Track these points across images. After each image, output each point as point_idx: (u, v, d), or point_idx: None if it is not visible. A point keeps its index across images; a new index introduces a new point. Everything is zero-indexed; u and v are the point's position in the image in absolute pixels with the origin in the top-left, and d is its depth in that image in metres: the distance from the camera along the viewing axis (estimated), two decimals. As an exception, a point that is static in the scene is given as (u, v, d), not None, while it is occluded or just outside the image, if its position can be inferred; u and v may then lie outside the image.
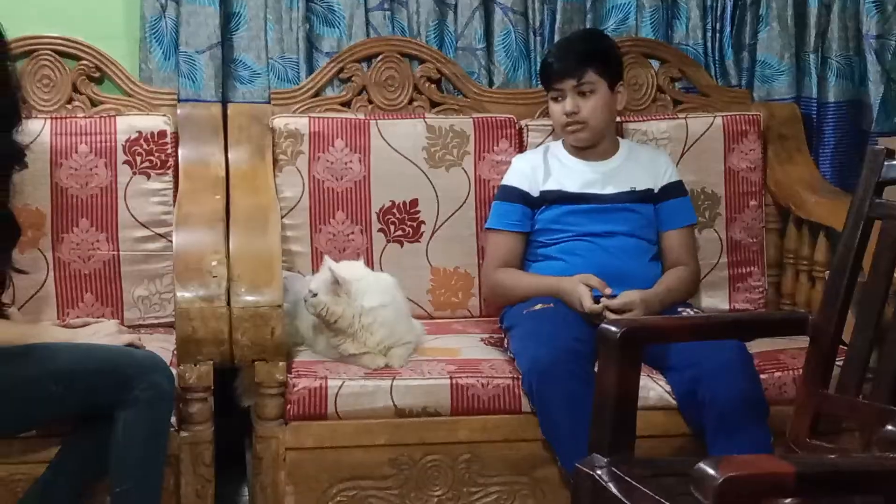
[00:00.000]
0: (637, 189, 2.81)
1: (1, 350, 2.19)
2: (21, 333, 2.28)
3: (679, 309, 2.69)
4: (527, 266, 2.82)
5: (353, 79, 3.06)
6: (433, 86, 3.10)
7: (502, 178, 2.89)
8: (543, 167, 2.84)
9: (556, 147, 2.90)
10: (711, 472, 1.38)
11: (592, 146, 2.84)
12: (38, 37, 2.91)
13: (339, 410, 2.41)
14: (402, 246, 2.94)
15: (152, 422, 2.17)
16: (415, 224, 2.95)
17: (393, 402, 2.42)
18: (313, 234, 2.90)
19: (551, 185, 2.81)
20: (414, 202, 2.95)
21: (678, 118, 3.10)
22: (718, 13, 3.24)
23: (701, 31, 3.23)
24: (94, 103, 2.94)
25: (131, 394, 2.14)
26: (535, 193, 2.81)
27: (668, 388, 2.49)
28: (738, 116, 3.10)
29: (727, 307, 3.04)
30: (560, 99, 2.79)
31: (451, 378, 2.45)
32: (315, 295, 2.46)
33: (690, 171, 3.01)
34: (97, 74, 2.96)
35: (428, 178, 2.96)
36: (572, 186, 2.80)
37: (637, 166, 2.85)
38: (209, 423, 2.40)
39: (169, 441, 2.26)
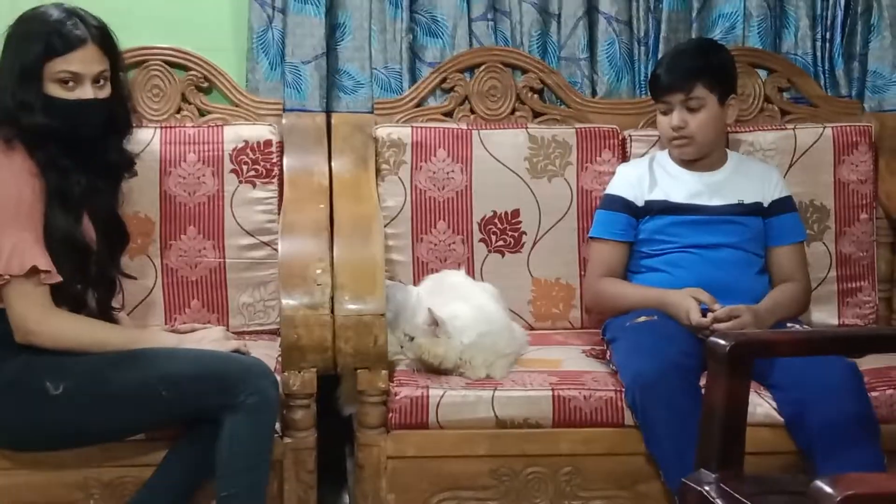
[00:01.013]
0: (745, 202, 2.76)
1: (111, 355, 2.24)
2: (130, 338, 2.32)
3: (788, 325, 2.64)
4: (630, 277, 2.79)
5: (455, 89, 3.07)
6: (535, 96, 3.09)
7: (606, 188, 2.86)
8: (649, 176, 2.80)
9: (663, 156, 2.86)
10: (829, 490, 1.35)
11: (699, 159, 2.80)
12: (149, 48, 2.98)
13: (440, 420, 2.41)
14: (503, 256, 2.93)
15: (258, 427, 2.20)
16: (516, 234, 2.94)
17: (494, 412, 2.41)
18: (415, 243, 2.91)
19: (657, 195, 2.77)
20: (515, 212, 2.94)
21: (786, 129, 3.04)
22: (828, 22, 3.18)
23: (810, 40, 3.17)
24: (202, 113, 2.99)
25: (237, 399, 2.17)
26: (640, 203, 2.78)
27: (774, 404, 2.44)
28: (848, 127, 3.03)
29: (836, 322, 2.98)
30: (668, 112, 2.76)
31: (552, 389, 2.43)
32: (412, 339, 2.47)
33: (798, 182, 2.95)
34: (205, 84, 3.01)
35: (530, 188, 2.94)
36: (678, 197, 2.76)
37: (745, 179, 2.80)
38: (312, 429, 2.42)
39: (273, 447, 2.28)
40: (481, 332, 2.49)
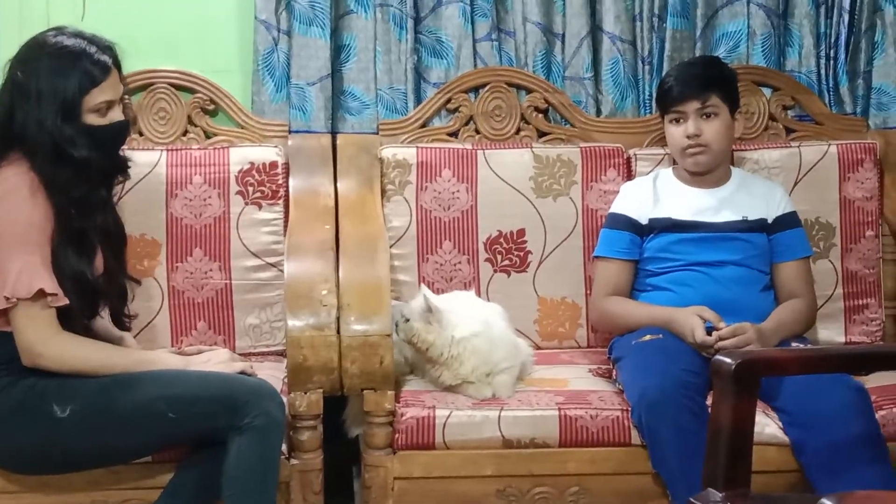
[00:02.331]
0: (749, 218, 2.76)
1: (118, 377, 2.24)
2: (137, 360, 2.32)
3: (793, 343, 2.63)
4: (636, 296, 2.79)
5: (460, 109, 3.07)
6: (540, 115, 3.10)
7: (610, 207, 2.87)
8: (653, 194, 2.81)
9: (666, 174, 2.87)
10: (835, 509, 1.34)
11: (708, 172, 2.80)
12: (155, 70, 2.99)
13: (446, 440, 2.41)
14: (508, 276, 2.94)
15: (264, 449, 2.19)
16: (522, 254, 2.94)
17: (501, 432, 2.41)
18: (420, 263, 2.91)
19: (661, 213, 2.77)
20: (521, 232, 2.94)
21: (791, 146, 3.04)
22: (832, 40, 3.18)
23: (814, 58, 3.18)
24: (208, 135, 3.01)
25: (244, 421, 2.16)
26: (644, 221, 2.78)
27: (780, 424, 2.43)
28: (853, 145, 3.04)
29: (843, 340, 2.97)
30: (681, 121, 2.76)
31: (559, 409, 2.43)
32: (408, 321, 2.47)
33: (804, 200, 2.95)
34: (211, 107, 3.02)
35: (535, 207, 2.95)
36: (683, 214, 2.76)
37: (750, 196, 2.80)
38: (319, 451, 2.42)
39: (280, 468, 2.28)
40: (475, 332, 2.49)
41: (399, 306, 2.72)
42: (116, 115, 2.31)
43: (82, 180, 2.26)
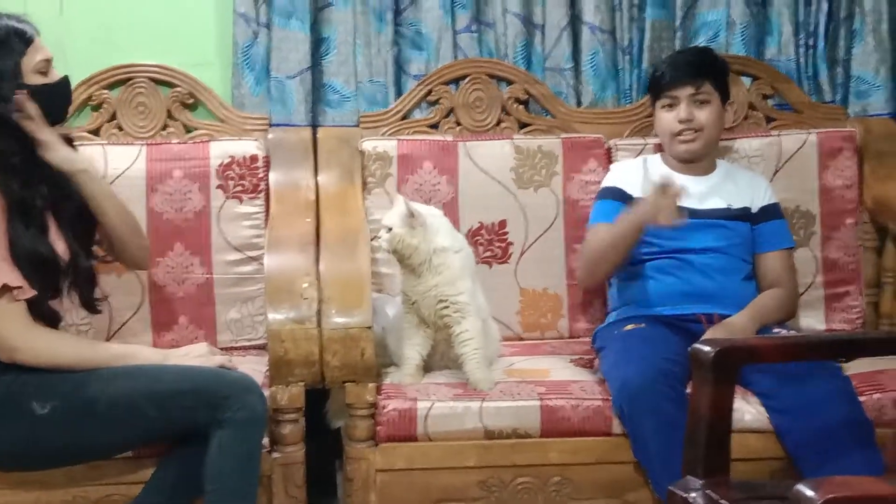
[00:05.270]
0: (734, 206, 2.77)
1: (97, 372, 2.23)
2: (115, 354, 2.31)
3: (775, 330, 2.64)
4: (620, 284, 2.79)
5: (440, 101, 3.07)
6: (521, 107, 3.10)
7: (602, 183, 2.87)
8: (642, 175, 2.80)
9: (654, 159, 2.87)
10: (811, 493, 1.35)
11: (696, 160, 2.81)
12: (134, 65, 2.99)
13: (428, 432, 2.41)
14: (490, 267, 2.94)
15: (245, 443, 2.19)
16: (503, 245, 2.94)
17: (483, 423, 2.41)
18: (402, 255, 2.91)
19: (647, 194, 2.77)
20: (502, 223, 2.95)
21: (771, 135, 3.05)
22: (811, 29, 3.19)
23: (793, 46, 3.18)
24: (188, 129, 3.00)
25: (225, 415, 2.16)
26: (635, 195, 2.77)
27: (762, 409, 2.43)
28: (832, 133, 3.05)
29: (824, 328, 2.98)
30: (673, 107, 2.77)
31: (540, 399, 2.43)
32: (390, 229, 2.47)
33: (784, 189, 2.96)
34: (191, 101, 3.01)
35: (516, 198, 2.95)
36: None
37: (735, 185, 2.82)
38: (300, 444, 2.42)
39: (262, 462, 2.27)
40: (455, 248, 2.51)
41: (383, 299, 2.72)
42: (55, 74, 2.32)
43: (24, 147, 2.24)
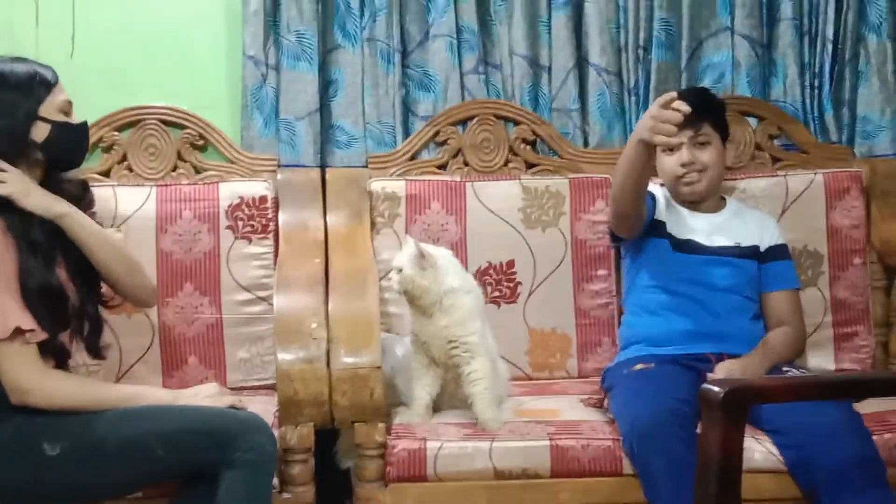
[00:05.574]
0: (742, 245, 2.78)
1: (107, 413, 2.24)
2: (126, 395, 2.32)
3: (784, 368, 2.64)
4: (627, 320, 2.82)
5: (448, 142, 3.09)
6: (528, 147, 3.12)
7: (598, 239, 2.89)
8: (662, 196, 2.82)
9: (666, 191, 2.87)
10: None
11: (702, 201, 2.82)
12: (145, 107, 3.01)
13: (438, 472, 2.40)
14: (498, 307, 2.94)
15: (255, 483, 2.18)
16: (511, 285, 2.95)
17: (492, 463, 2.41)
18: (411, 295, 2.91)
19: (660, 217, 2.79)
20: (510, 263, 2.95)
21: (777, 175, 3.06)
22: (816, 70, 3.21)
23: (799, 87, 3.20)
24: (197, 170, 3.02)
25: (235, 455, 2.16)
26: (659, 200, 2.78)
27: (774, 449, 2.42)
28: (839, 173, 3.06)
29: (833, 367, 2.97)
30: (674, 151, 2.77)
31: (550, 439, 2.43)
32: (401, 270, 2.48)
33: (791, 228, 2.96)
34: (201, 142, 3.03)
35: (524, 238, 2.96)
36: (679, 233, 2.77)
37: (743, 223, 2.83)
38: (310, 484, 2.41)
39: (271, 502, 2.27)
40: (465, 289, 2.52)
41: (391, 339, 2.73)
42: (76, 119, 2.35)
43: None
